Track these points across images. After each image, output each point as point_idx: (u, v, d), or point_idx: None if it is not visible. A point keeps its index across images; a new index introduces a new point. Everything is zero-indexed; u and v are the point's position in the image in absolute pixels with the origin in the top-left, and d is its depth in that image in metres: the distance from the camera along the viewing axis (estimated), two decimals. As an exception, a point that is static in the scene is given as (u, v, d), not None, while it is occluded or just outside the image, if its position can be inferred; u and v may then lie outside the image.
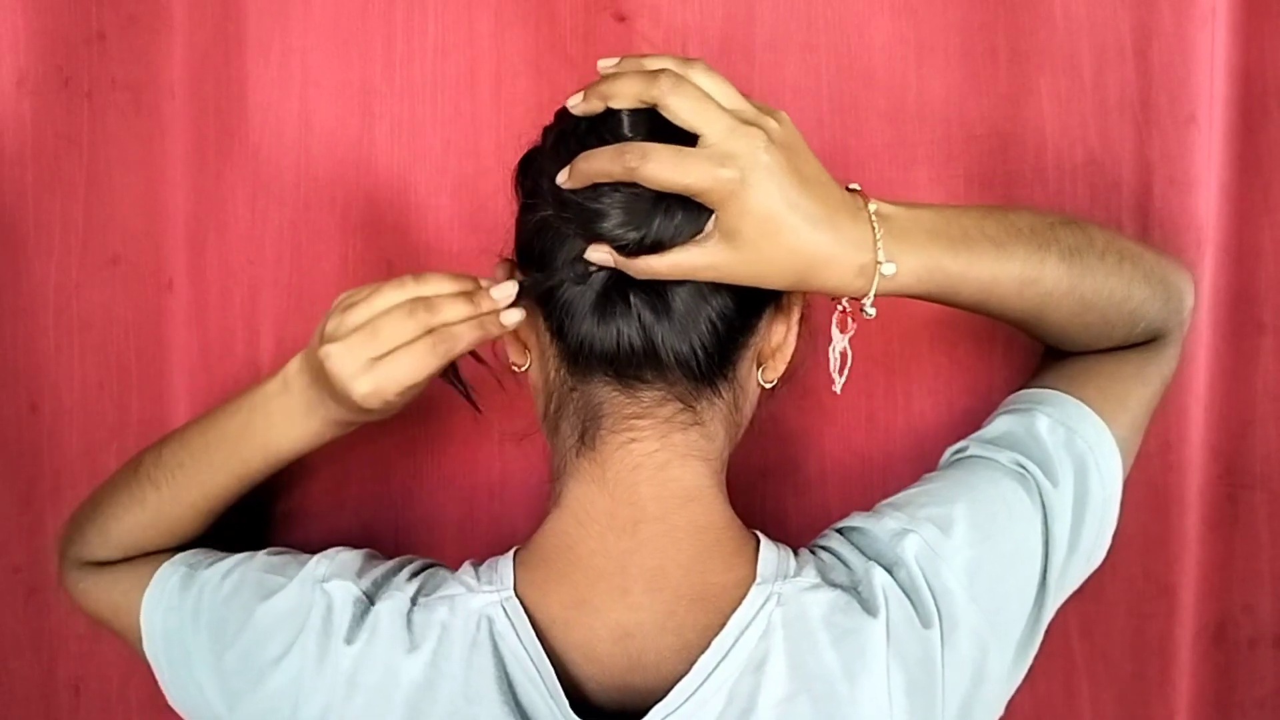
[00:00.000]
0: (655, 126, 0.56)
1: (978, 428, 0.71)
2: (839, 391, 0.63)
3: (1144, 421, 0.72)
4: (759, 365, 0.63)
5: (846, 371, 0.63)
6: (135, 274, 0.87)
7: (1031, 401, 0.69)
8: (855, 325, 0.61)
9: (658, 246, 0.55)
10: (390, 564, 0.66)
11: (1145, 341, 0.71)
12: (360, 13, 0.82)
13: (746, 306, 0.59)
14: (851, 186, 0.60)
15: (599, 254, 0.56)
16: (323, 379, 0.63)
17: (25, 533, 0.88)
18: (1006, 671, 0.62)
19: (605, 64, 0.60)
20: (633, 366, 0.58)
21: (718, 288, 0.57)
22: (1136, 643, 0.79)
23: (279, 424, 0.69)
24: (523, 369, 0.65)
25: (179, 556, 0.73)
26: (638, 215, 0.55)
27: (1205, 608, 0.83)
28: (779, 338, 0.63)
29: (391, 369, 0.60)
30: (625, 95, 0.56)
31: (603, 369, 0.59)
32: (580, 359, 0.59)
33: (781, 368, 0.64)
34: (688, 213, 0.56)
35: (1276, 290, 0.81)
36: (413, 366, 0.60)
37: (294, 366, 0.67)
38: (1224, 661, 0.84)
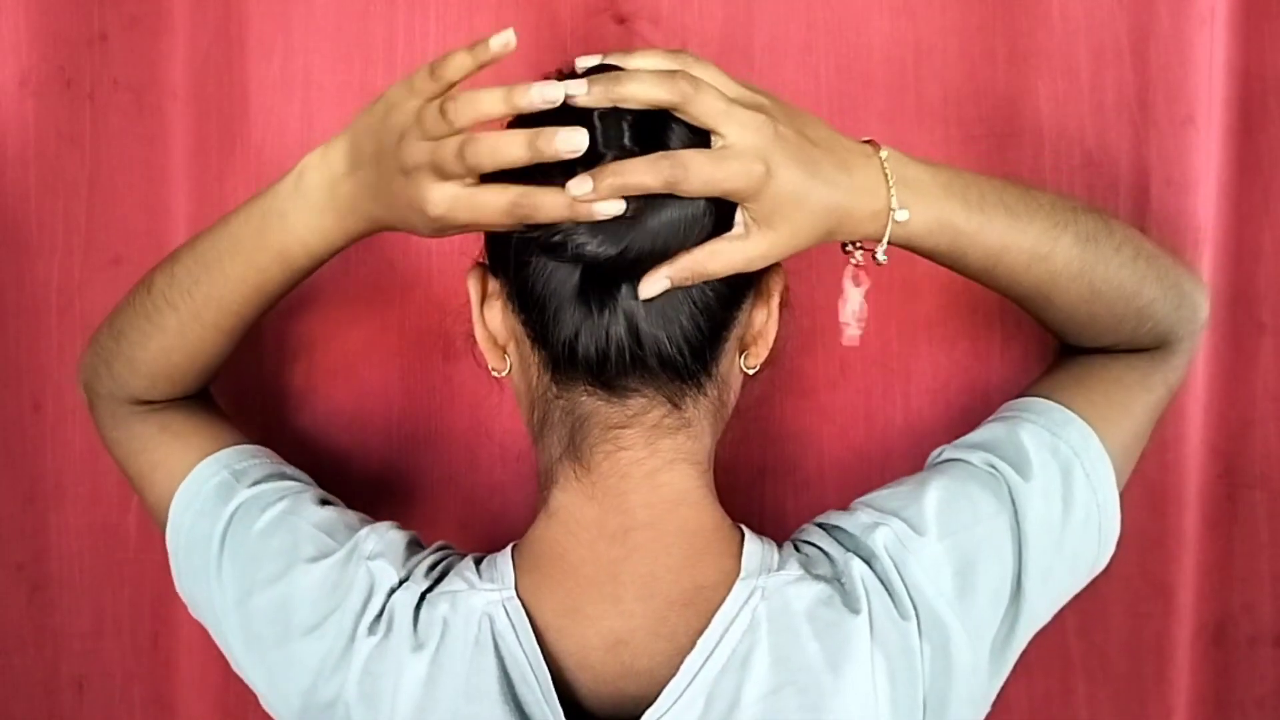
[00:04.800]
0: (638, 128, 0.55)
1: (975, 426, 0.71)
2: (856, 344, 0.63)
3: (1147, 428, 0.72)
4: (741, 352, 0.62)
5: (862, 325, 0.63)
6: (138, 274, 0.86)
7: (1018, 410, 0.69)
8: (869, 281, 0.61)
9: (639, 260, 0.54)
10: (427, 556, 0.64)
11: (1153, 347, 0.70)
12: (362, 14, 0.83)
13: (727, 297, 0.59)
14: (864, 140, 0.60)
15: (655, 283, 0.55)
16: (391, 170, 0.56)
17: (28, 531, 0.88)
18: (984, 668, 0.61)
19: (584, 62, 0.58)
20: (618, 374, 0.57)
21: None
22: (1133, 642, 0.79)
23: (296, 224, 0.62)
24: (503, 374, 0.63)
25: (223, 454, 0.69)
26: (608, 228, 0.54)
27: (1205, 607, 0.83)
28: (760, 323, 0.62)
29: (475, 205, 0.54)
30: (639, 98, 0.54)
31: (587, 377, 0.57)
32: (564, 366, 0.58)
33: (764, 353, 0.63)
34: (655, 212, 0.54)
35: (1276, 290, 0.81)
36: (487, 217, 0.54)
37: (315, 159, 0.62)
38: (1223, 661, 0.84)
